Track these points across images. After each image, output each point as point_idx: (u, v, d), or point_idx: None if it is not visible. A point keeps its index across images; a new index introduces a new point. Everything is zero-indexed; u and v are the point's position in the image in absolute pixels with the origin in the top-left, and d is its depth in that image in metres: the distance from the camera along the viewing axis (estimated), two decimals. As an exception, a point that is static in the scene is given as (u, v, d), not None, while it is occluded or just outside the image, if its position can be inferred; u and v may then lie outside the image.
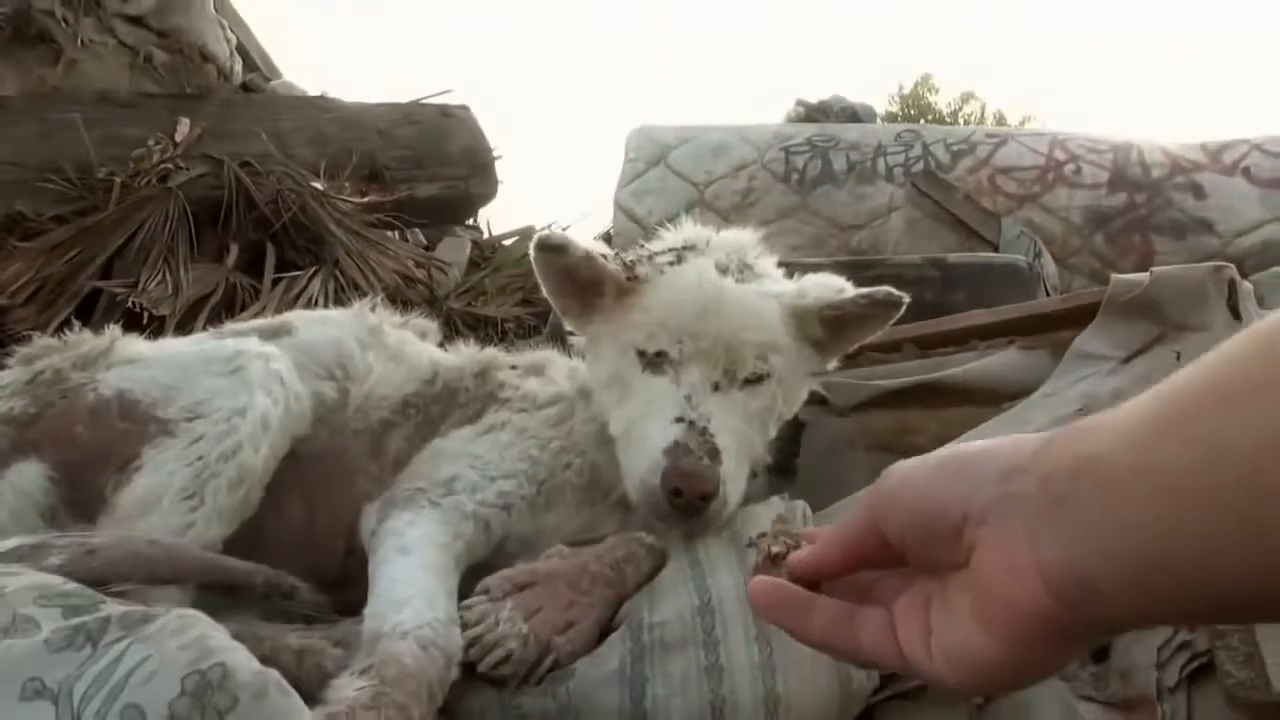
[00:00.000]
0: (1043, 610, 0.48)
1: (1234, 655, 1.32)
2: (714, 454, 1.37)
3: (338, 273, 3.87)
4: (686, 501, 1.35)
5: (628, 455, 1.46)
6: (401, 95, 5.20)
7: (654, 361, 1.47)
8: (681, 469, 1.35)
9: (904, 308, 1.55)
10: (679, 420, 1.40)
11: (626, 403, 1.49)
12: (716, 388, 1.45)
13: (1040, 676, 0.52)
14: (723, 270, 1.53)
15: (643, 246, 1.63)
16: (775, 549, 0.67)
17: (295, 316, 1.82)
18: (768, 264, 1.62)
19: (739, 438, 1.45)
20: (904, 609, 0.57)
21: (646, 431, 1.42)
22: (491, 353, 1.77)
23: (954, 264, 2.74)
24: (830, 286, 1.58)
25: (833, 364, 1.65)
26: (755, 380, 1.49)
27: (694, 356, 1.45)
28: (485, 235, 5.39)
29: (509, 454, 1.52)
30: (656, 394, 1.45)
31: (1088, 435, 0.48)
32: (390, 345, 1.72)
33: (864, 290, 1.55)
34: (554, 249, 1.54)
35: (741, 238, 1.64)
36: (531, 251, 1.56)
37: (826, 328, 1.56)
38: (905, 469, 0.57)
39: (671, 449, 1.37)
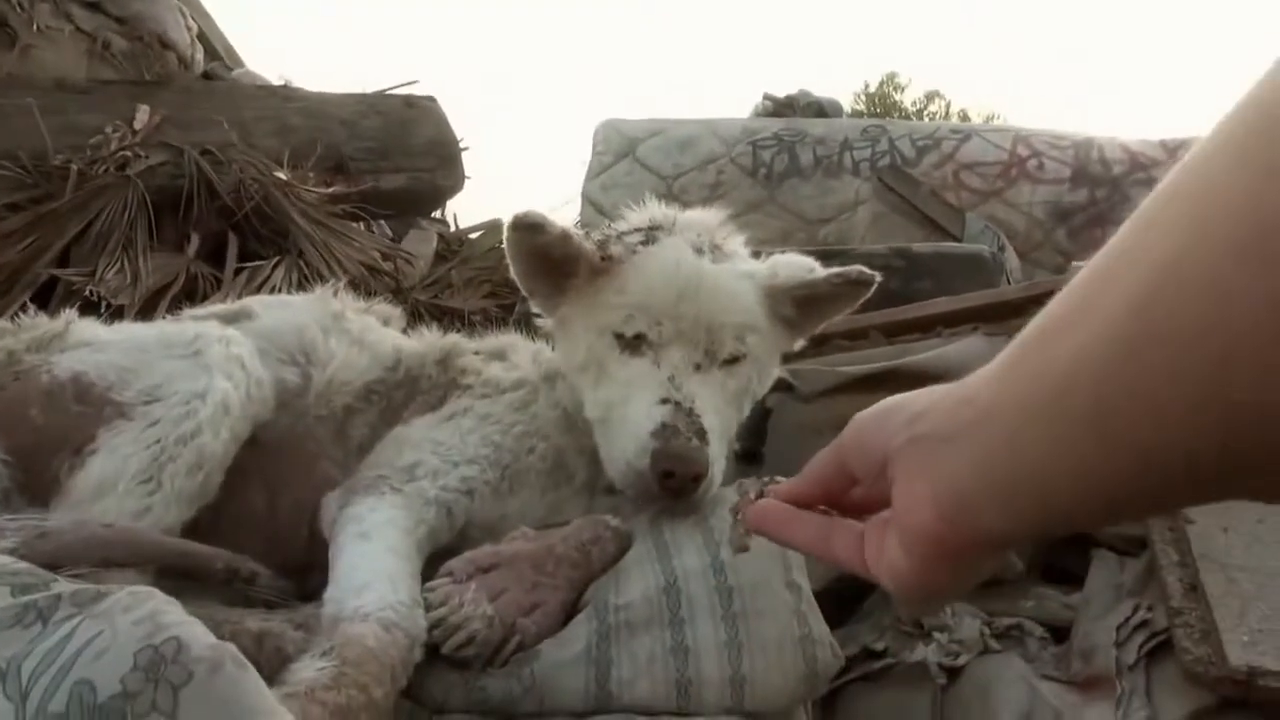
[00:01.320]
0: (934, 532, 0.56)
1: (1190, 632, 1.34)
2: (701, 434, 1.37)
3: (301, 263, 3.80)
4: (679, 483, 1.35)
5: (609, 438, 1.44)
6: (367, 85, 5.14)
7: (632, 344, 1.46)
8: (672, 451, 1.34)
9: (874, 286, 1.56)
10: (664, 401, 1.38)
11: (604, 385, 1.47)
12: (698, 368, 1.44)
13: (949, 592, 0.61)
14: (698, 251, 1.52)
15: (610, 226, 1.62)
16: (754, 493, 0.76)
17: (256, 301, 1.79)
18: (736, 244, 1.61)
19: (721, 418, 1.45)
20: (870, 528, 0.65)
21: (629, 414, 1.41)
22: (454, 338, 1.74)
23: (919, 253, 2.76)
24: (801, 266, 1.58)
25: (801, 343, 1.65)
26: (733, 361, 1.48)
27: (674, 338, 1.44)
28: (452, 228, 5.35)
29: (471, 439, 1.50)
30: (637, 376, 1.43)
31: (969, 382, 0.55)
32: (353, 331, 1.70)
33: (836, 269, 1.56)
34: (530, 227, 1.50)
35: (708, 218, 1.63)
36: (506, 230, 1.52)
37: (798, 307, 1.56)
38: (861, 416, 0.66)
39: (659, 430, 1.35)
